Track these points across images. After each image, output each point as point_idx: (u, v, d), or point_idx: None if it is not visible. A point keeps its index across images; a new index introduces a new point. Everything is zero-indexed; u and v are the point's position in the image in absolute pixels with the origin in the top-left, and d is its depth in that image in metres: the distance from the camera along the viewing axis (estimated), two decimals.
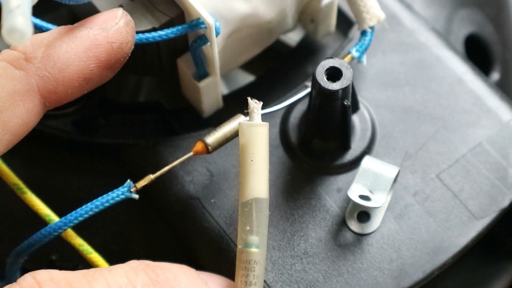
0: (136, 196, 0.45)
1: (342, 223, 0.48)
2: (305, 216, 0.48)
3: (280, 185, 0.49)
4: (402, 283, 0.47)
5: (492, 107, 0.51)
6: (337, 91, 0.45)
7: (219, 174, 0.49)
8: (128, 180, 0.45)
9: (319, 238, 0.48)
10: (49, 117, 0.52)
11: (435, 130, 0.50)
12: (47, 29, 0.44)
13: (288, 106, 0.50)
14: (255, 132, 0.43)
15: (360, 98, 0.50)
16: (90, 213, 0.44)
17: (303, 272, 0.47)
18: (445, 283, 0.59)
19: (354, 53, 0.49)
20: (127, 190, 0.44)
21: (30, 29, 0.36)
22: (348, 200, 0.48)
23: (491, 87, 0.52)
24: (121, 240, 0.52)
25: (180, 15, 0.46)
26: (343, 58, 0.48)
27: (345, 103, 0.46)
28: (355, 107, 0.50)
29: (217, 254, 0.48)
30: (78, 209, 0.44)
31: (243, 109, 0.47)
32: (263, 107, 0.46)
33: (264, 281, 0.46)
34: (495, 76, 0.62)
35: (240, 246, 0.43)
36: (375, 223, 0.48)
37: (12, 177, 0.46)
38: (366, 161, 0.48)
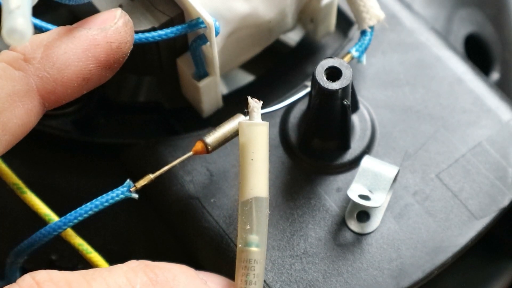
0: (135, 196, 0.45)
1: (341, 223, 0.48)
2: (305, 215, 0.48)
3: (280, 185, 0.49)
4: (402, 282, 0.47)
5: (492, 107, 0.51)
6: (336, 90, 0.45)
7: (219, 174, 0.49)
8: (128, 180, 0.45)
9: (319, 237, 0.48)
10: (49, 117, 0.52)
11: (435, 129, 0.50)
12: (47, 30, 0.44)
13: (287, 105, 0.50)
14: (255, 131, 0.43)
15: (359, 98, 0.50)
16: (90, 212, 0.44)
17: (302, 272, 0.47)
18: (444, 283, 0.59)
19: (354, 52, 0.49)
20: (126, 190, 0.44)
21: (30, 29, 0.36)
22: (348, 199, 0.48)
23: (491, 87, 0.52)
24: (120, 239, 0.52)
25: (179, 15, 0.46)
26: (342, 57, 0.48)
27: (345, 102, 0.46)
28: (354, 106, 0.50)
29: (216, 253, 0.48)
30: (78, 209, 0.44)
31: (243, 109, 0.47)
32: (263, 107, 0.46)
33: (264, 281, 0.46)
34: (495, 76, 0.62)
35: (240, 245, 0.43)
36: (374, 222, 0.48)
37: (11, 177, 0.46)
38: (366, 161, 0.48)
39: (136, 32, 0.45)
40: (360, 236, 0.48)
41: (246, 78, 0.59)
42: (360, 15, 0.49)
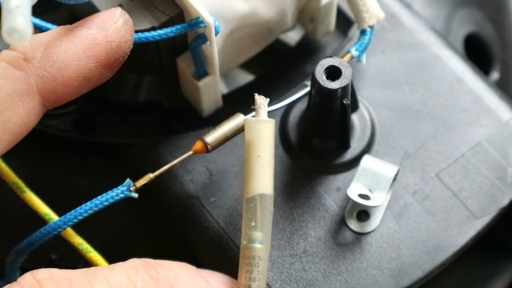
0: (135, 195, 0.45)
1: (341, 222, 0.48)
2: (305, 215, 0.48)
3: (280, 184, 0.49)
4: (402, 282, 0.47)
5: (492, 107, 0.51)
6: (336, 90, 0.45)
7: (219, 173, 0.49)
8: (128, 179, 0.45)
9: (319, 237, 0.48)
10: (48, 116, 0.52)
11: (434, 129, 0.50)
12: (46, 29, 0.44)
13: (287, 105, 0.50)
14: (262, 128, 0.43)
15: (359, 97, 0.51)
16: (90, 212, 0.44)
17: (302, 271, 0.47)
18: (444, 282, 0.59)
19: (354, 52, 0.49)
20: (126, 189, 0.44)
21: (30, 29, 0.36)
22: (348, 199, 0.48)
23: (490, 86, 0.52)
24: (120, 239, 0.52)
25: (179, 14, 0.46)
26: (342, 57, 0.48)
27: (345, 102, 0.46)
28: (354, 106, 0.50)
29: (216, 253, 0.48)
30: (78, 208, 0.44)
31: (243, 108, 0.47)
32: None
33: None
34: (495, 75, 0.62)
35: (244, 242, 0.43)
36: (374, 222, 0.48)
37: (11, 176, 0.47)
38: (366, 160, 0.48)
39: (136, 31, 0.45)
40: (360, 235, 0.48)
41: (246, 77, 0.59)
42: (360, 15, 0.49)
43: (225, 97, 0.53)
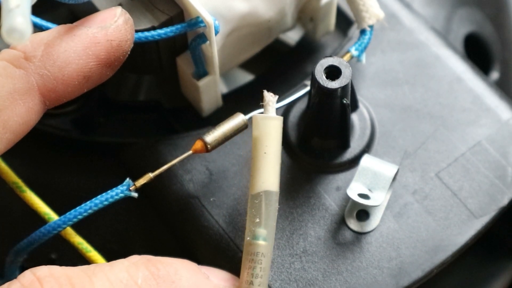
0: (135, 195, 0.45)
1: (341, 222, 0.48)
2: (304, 214, 0.48)
3: (279, 184, 0.49)
4: (401, 281, 0.47)
5: (492, 106, 0.51)
6: (336, 89, 0.45)
7: (218, 173, 0.49)
8: (127, 179, 0.45)
9: (318, 236, 0.48)
10: (48, 116, 0.52)
11: (434, 128, 0.50)
12: (46, 28, 0.44)
13: (287, 104, 0.50)
14: (270, 125, 0.43)
15: (359, 97, 0.51)
16: (89, 211, 0.44)
17: (302, 271, 0.47)
18: (444, 282, 0.59)
19: (353, 52, 0.49)
20: (126, 189, 0.44)
21: (29, 29, 0.36)
22: (347, 198, 0.48)
23: (490, 86, 0.52)
24: (120, 238, 0.52)
25: (179, 14, 0.46)
26: (342, 56, 0.48)
27: (344, 101, 0.46)
28: (354, 105, 0.50)
29: (216, 252, 0.48)
30: (77, 208, 0.44)
31: (243, 108, 0.47)
32: (262, 106, 0.46)
33: None
34: (495, 75, 0.62)
35: (248, 238, 0.43)
36: (374, 221, 0.48)
37: (11, 176, 0.47)
38: (365, 160, 0.48)
39: (136, 31, 0.45)
40: (359, 235, 0.48)
41: (245, 77, 0.59)
42: (359, 14, 0.49)
43: (225, 97, 0.53)
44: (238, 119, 0.46)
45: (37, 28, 0.44)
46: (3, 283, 0.41)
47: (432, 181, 0.49)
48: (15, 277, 0.40)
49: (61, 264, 0.50)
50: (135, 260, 0.42)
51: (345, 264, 0.47)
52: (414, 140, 0.50)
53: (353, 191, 0.47)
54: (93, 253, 0.47)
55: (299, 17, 0.53)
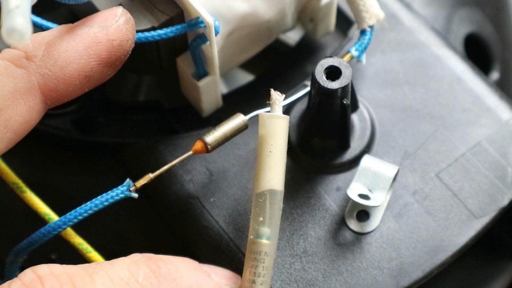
0: (135, 195, 0.45)
1: (341, 222, 0.48)
2: (305, 215, 0.48)
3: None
4: (401, 282, 0.47)
5: (492, 106, 0.51)
6: (336, 90, 0.45)
7: (219, 173, 0.49)
8: (128, 179, 0.45)
9: (319, 237, 0.48)
10: (48, 116, 0.52)
11: (434, 129, 0.50)
12: (47, 28, 0.44)
13: (287, 105, 0.50)
14: (276, 124, 0.43)
15: (359, 97, 0.51)
16: (90, 212, 0.44)
17: (302, 271, 0.47)
18: (444, 282, 0.59)
19: (354, 52, 0.49)
20: (126, 189, 0.44)
21: (29, 29, 0.36)
22: (348, 199, 0.48)
23: (490, 86, 0.52)
24: (120, 239, 0.52)
25: (179, 14, 0.46)
26: (342, 57, 0.48)
27: (345, 102, 0.46)
28: (354, 106, 0.50)
29: (216, 252, 0.48)
30: (78, 208, 0.44)
31: (243, 108, 0.47)
32: (262, 106, 0.46)
33: None
34: (495, 75, 0.62)
35: (251, 237, 0.43)
36: (374, 222, 0.48)
37: (11, 176, 0.47)
38: (366, 160, 0.48)
39: (136, 31, 0.45)
40: (359, 235, 0.48)
41: (245, 77, 0.59)
42: (359, 15, 0.49)
43: (225, 97, 0.53)
44: (238, 119, 0.46)
45: (38, 28, 0.44)
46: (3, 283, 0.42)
47: (432, 181, 0.49)
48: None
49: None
50: (136, 258, 0.42)
51: (345, 264, 0.47)
52: (414, 141, 0.50)
53: (353, 192, 0.47)
54: (93, 254, 0.47)
55: (299, 18, 0.53)
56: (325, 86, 0.45)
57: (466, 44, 0.61)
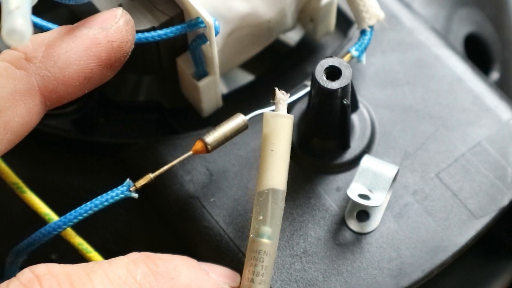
0: (135, 195, 0.45)
1: (341, 222, 0.48)
2: (305, 215, 0.48)
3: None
4: (402, 282, 0.47)
5: (492, 106, 0.51)
6: (336, 90, 0.45)
7: (219, 173, 0.49)
8: (128, 179, 0.45)
9: (319, 237, 0.48)
10: (48, 116, 0.52)
11: (434, 129, 0.50)
12: (47, 29, 0.44)
13: (287, 105, 0.49)
14: (279, 123, 0.43)
15: (359, 97, 0.51)
16: (90, 212, 0.44)
17: (302, 271, 0.47)
18: (444, 283, 0.59)
19: (354, 52, 0.49)
20: (126, 189, 0.44)
21: (29, 30, 0.36)
22: (348, 199, 0.48)
23: (490, 86, 0.52)
24: (120, 239, 0.52)
25: (179, 15, 0.46)
26: (342, 57, 0.48)
27: (345, 102, 0.46)
28: (354, 106, 0.50)
29: (216, 253, 0.48)
30: (78, 208, 0.44)
31: (243, 108, 0.47)
32: (262, 106, 0.46)
33: None
34: (495, 75, 0.62)
35: (251, 235, 0.43)
36: (374, 222, 0.48)
37: (11, 176, 0.47)
38: (366, 160, 0.48)
39: (136, 32, 0.45)
40: (359, 235, 0.48)
41: (245, 77, 0.59)
42: (359, 15, 0.49)
43: (225, 97, 0.53)
44: (239, 119, 0.46)
45: (38, 29, 0.44)
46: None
47: (432, 181, 0.49)
48: None
49: None
50: (134, 257, 0.42)
51: (345, 264, 0.47)
52: (414, 141, 0.50)
53: (353, 192, 0.47)
54: (93, 254, 0.47)
55: (299, 18, 0.53)
56: (325, 86, 0.45)
57: (466, 44, 0.61)
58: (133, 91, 0.59)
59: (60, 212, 0.46)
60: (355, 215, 0.48)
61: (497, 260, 0.61)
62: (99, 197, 0.44)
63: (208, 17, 0.45)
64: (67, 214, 0.44)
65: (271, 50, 0.55)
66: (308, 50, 0.55)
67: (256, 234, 0.43)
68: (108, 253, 0.47)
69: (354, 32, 0.53)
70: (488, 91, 0.52)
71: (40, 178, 0.52)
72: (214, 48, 0.47)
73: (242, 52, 0.51)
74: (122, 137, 0.52)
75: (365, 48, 0.49)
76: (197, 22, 0.45)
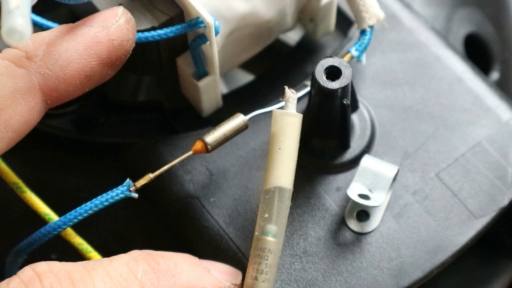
0: (135, 195, 0.45)
1: (341, 222, 0.48)
2: (305, 215, 0.48)
3: None
4: (402, 282, 0.47)
5: (492, 106, 0.51)
6: (336, 90, 0.45)
7: (219, 173, 0.49)
8: (128, 179, 0.45)
9: (319, 237, 0.48)
10: (48, 116, 0.52)
11: (434, 129, 0.50)
12: (48, 27, 0.44)
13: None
14: (287, 121, 0.43)
15: (359, 97, 0.51)
16: (90, 212, 0.44)
17: (302, 271, 0.47)
18: (444, 283, 0.59)
19: (354, 52, 0.49)
20: (126, 189, 0.44)
21: (29, 29, 0.36)
22: (348, 199, 0.48)
23: (490, 86, 0.52)
24: (120, 239, 0.52)
25: (179, 14, 0.46)
26: (342, 57, 0.48)
27: (345, 102, 0.46)
28: (354, 106, 0.50)
29: (216, 253, 0.48)
30: (78, 208, 0.44)
31: (243, 108, 0.47)
32: (262, 106, 0.46)
33: None
34: (495, 75, 0.62)
35: (256, 233, 0.43)
36: (374, 222, 0.48)
37: (11, 176, 0.47)
38: (366, 160, 0.48)
39: (136, 31, 0.45)
40: (359, 235, 0.48)
41: (246, 77, 0.59)
42: (359, 15, 0.49)
43: (225, 97, 0.53)
44: (239, 119, 0.46)
45: (39, 27, 0.44)
46: None
47: (432, 181, 0.49)
48: None
49: None
50: (135, 254, 0.42)
51: (345, 264, 0.47)
52: (414, 141, 0.50)
53: (353, 192, 0.47)
54: (93, 254, 0.47)
55: (299, 18, 0.53)
56: (325, 86, 0.45)
57: (466, 44, 0.61)
58: (133, 91, 0.59)
59: (60, 212, 0.46)
60: (355, 215, 0.48)
61: (497, 260, 0.61)
62: (99, 197, 0.44)
63: (208, 17, 0.45)
64: (67, 214, 0.44)
65: (271, 50, 0.55)
66: (308, 50, 0.55)
67: (261, 232, 0.43)
68: (108, 253, 0.47)
69: (354, 32, 0.53)
70: (488, 91, 0.52)
71: (40, 178, 0.52)
72: (214, 48, 0.47)
73: (242, 52, 0.51)
74: (122, 137, 0.52)
75: (365, 48, 0.49)
76: (197, 22, 0.45)
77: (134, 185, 0.45)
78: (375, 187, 0.47)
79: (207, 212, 0.48)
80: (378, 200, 0.46)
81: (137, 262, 0.41)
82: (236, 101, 0.53)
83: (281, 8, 0.49)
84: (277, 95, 0.51)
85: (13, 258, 0.47)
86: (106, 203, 0.44)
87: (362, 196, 0.47)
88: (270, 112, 0.48)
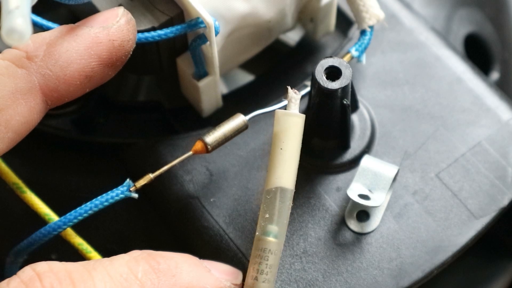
0: (135, 195, 0.45)
1: (341, 222, 0.48)
2: (305, 215, 0.48)
3: None
4: (402, 282, 0.47)
5: (492, 106, 0.51)
6: (336, 90, 0.45)
7: (219, 173, 0.49)
8: (128, 179, 0.45)
9: (319, 237, 0.48)
10: (48, 116, 0.52)
11: (434, 129, 0.50)
12: (48, 28, 0.44)
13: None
14: (290, 122, 0.43)
15: (359, 97, 0.51)
16: (90, 212, 0.44)
17: (302, 271, 0.47)
18: (444, 283, 0.59)
19: (354, 52, 0.49)
20: (126, 189, 0.44)
21: (29, 30, 0.36)
22: (348, 199, 0.48)
23: (490, 86, 0.52)
24: (120, 239, 0.52)
25: (179, 15, 0.46)
26: (342, 57, 0.48)
27: (345, 102, 0.46)
28: (354, 106, 0.50)
29: (216, 253, 0.48)
30: (78, 208, 0.44)
31: (243, 108, 0.47)
32: (262, 106, 0.46)
33: None
34: (495, 75, 0.62)
35: (257, 233, 0.43)
36: (374, 222, 0.48)
37: (11, 176, 0.47)
38: (366, 160, 0.48)
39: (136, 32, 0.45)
40: (359, 235, 0.48)
41: (246, 77, 0.59)
42: (359, 15, 0.49)
43: (225, 97, 0.53)
44: (239, 119, 0.46)
45: (39, 28, 0.44)
46: None
47: (432, 181, 0.49)
48: None
49: None
50: (135, 254, 0.42)
51: (345, 264, 0.47)
52: (414, 141, 0.50)
53: (353, 192, 0.47)
54: (93, 254, 0.47)
55: (299, 18, 0.53)
56: (325, 86, 0.45)
57: (466, 44, 0.61)
58: (133, 91, 0.59)
59: (60, 212, 0.46)
60: (355, 215, 0.48)
61: (497, 260, 0.61)
62: (99, 197, 0.44)
63: (208, 17, 0.45)
64: (67, 214, 0.44)
65: (271, 50, 0.55)
66: (308, 50, 0.55)
67: (262, 232, 0.43)
68: (108, 253, 0.47)
69: (354, 32, 0.53)
70: (488, 91, 0.52)
71: (40, 178, 0.52)
72: (214, 48, 0.47)
73: (242, 52, 0.51)
74: (122, 137, 0.52)
75: (365, 48, 0.49)
76: (197, 22, 0.45)
77: (134, 185, 0.45)
78: (375, 187, 0.47)
79: (207, 212, 0.48)
80: (378, 200, 0.46)
81: (137, 262, 0.41)
82: (236, 101, 0.53)
83: (281, 8, 0.49)
84: (277, 95, 0.51)
85: (13, 258, 0.47)
86: (106, 203, 0.44)
87: (362, 196, 0.47)
88: (271, 112, 0.48)
